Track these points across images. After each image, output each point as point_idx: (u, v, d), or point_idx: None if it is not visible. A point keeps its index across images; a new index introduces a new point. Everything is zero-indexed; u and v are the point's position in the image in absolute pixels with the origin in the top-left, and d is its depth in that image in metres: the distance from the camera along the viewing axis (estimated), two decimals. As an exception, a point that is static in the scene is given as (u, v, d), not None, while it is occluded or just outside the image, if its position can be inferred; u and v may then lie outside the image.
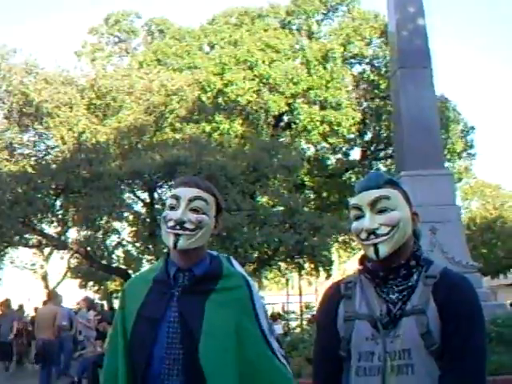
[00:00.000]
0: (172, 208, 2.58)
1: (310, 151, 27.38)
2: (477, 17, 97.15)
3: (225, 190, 16.38)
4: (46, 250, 27.63)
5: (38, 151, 22.44)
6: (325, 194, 28.92)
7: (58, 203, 19.91)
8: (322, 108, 24.73)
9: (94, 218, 18.41)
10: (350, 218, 2.38)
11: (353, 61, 27.30)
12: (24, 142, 22.04)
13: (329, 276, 23.04)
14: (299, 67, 24.48)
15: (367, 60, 27.05)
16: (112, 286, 30.95)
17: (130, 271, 19.53)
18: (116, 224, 20.27)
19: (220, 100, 24.01)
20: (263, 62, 23.93)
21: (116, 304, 26.57)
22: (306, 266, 21.53)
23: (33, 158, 21.58)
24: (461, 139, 27.41)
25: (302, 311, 34.91)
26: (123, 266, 20.04)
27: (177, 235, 2.52)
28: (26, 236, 19.60)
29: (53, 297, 13.47)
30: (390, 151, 26.71)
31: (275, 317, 24.18)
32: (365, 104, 27.29)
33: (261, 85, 23.97)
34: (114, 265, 20.26)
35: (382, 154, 28.58)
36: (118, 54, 29.26)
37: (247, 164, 19.10)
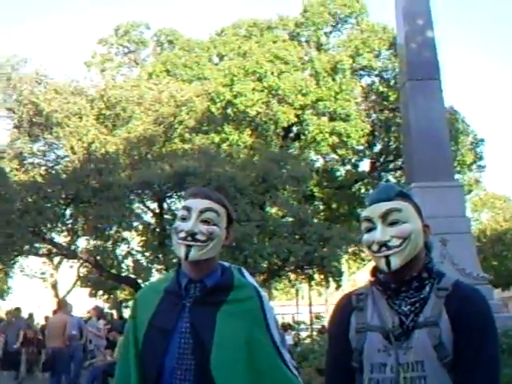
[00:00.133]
0: (183, 219, 2.59)
1: (319, 162, 27.42)
2: (486, 28, 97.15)
3: (234, 200, 16.40)
4: (56, 259, 27.70)
5: (48, 161, 22.56)
6: (334, 206, 28.90)
7: (68, 213, 19.98)
8: (331, 119, 24.75)
9: (104, 227, 18.48)
10: (361, 230, 2.39)
11: (362, 72, 27.34)
12: (34, 152, 22.17)
13: (338, 287, 23.01)
14: (308, 79, 24.53)
15: (376, 72, 27.08)
16: (121, 295, 30.99)
17: (140, 281, 19.55)
18: (125, 234, 20.32)
19: (229, 111, 24.07)
20: (272, 73, 23.98)
21: (126, 313, 26.61)
22: (316, 276, 21.51)
23: (43, 168, 21.69)
24: (470, 151, 27.36)
25: (311, 322, 34.85)
26: (132, 276, 20.06)
27: (188, 246, 2.52)
28: (36, 245, 19.68)
29: (63, 306, 13.49)
30: (399, 163, 26.69)
31: (285, 327, 24.15)
32: (374, 116, 27.31)
33: (270, 96, 24.03)
34: (123, 274, 20.29)
35: (391, 165, 28.56)
36: (128, 64, 29.41)
37: (256, 175, 19.12)
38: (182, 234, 2.55)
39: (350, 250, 22.60)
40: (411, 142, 11.85)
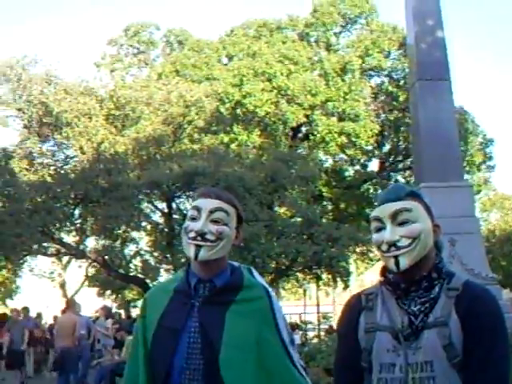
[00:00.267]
0: (193, 219, 2.59)
1: (328, 162, 27.39)
2: (495, 28, 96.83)
3: (243, 200, 16.41)
4: (65, 259, 27.81)
5: (58, 161, 22.65)
6: (343, 206, 28.87)
7: (77, 212, 20.08)
8: (340, 120, 24.73)
9: (112, 227, 18.53)
10: (370, 230, 2.39)
11: (371, 73, 27.31)
12: (43, 152, 22.27)
13: (346, 287, 22.99)
14: (317, 79, 24.51)
15: (385, 72, 27.05)
16: (129, 294, 31.08)
17: (148, 280, 19.60)
18: (134, 233, 20.38)
19: (238, 111, 24.08)
20: (281, 73, 23.98)
21: (133, 313, 26.68)
22: (324, 276, 21.50)
23: (52, 168, 21.78)
24: (480, 151, 27.29)
25: (319, 322, 34.79)
26: (141, 276, 20.10)
27: (198, 246, 2.52)
28: (45, 245, 19.77)
29: (71, 305, 13.52)
30: (408, 163, 26.64)
31: (293, 327, 24.14)
32: (383, 116, 27.27)
33: (279, 96, 24.02)
34: (131, 274, 20.35)
35: (400, 165, 28.52)
36: (137, 65, 29.44)
37: (265, 175, 19.13)
38: (192, 234, 2.55)
39: (358, 250, 22.57)
40: (420, 142, 11.82)
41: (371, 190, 28.82)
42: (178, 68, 25.86)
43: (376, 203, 2.42)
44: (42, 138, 21.86)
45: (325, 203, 27.42)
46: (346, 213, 28.73)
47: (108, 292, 27.54)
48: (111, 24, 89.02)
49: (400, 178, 28.15)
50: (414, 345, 2.21)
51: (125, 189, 17.98)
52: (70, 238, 20.72)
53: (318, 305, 34.27)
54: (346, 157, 26.94)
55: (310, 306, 38.79)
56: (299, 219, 19.83)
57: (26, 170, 21.09)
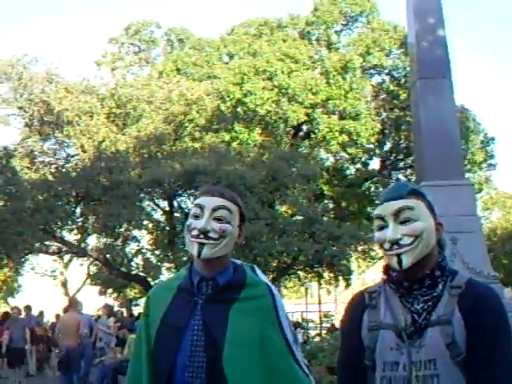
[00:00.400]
0: (196, 217, 2.59)
1: (329, 161, 27.38)
2: (497, 27, 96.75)
3: (244, 199, 16.37)
4: (66, 257, 27.85)
5: (59, 159, 22.65)
6: (344, 204, 28.85)
7: (78, 211, 20.08)
8: (341, 118, 24.72)
9: (114, 225, 18.53)
10: (371, 229, 2.40)
11: (372, 71, 27.29)
12: (45, 150, 22.27)
13: (348, 285, 23.01)
14: (318, 77, 24.49)
15: (386, 70, 27.04)
16: (131, 293, 31.07)
17: (149, 279, 19.62)
18: (135, 232, 20.39)
19: (239, 110, 24.07)
20: (282, 72, 23.96)
21: (135, 311, 26.71)
22: (326, 275, 21.49)
23: (53, 166, 21.79)
24: (481, 150, 27.28)
25: (321, 320, 34.82)
26: (142, 274, 20.12)
27: (201, 244, 2.53)
28: (47, 243, 19.79)
29: (73, 304, 13.52)
30: (409, 161, 26.65)
31: (295, 325, 24.16)
32: (384, 114, 27.26)
33: (280, 95, 24.00)
34: (133, 272, 20.36)
35: (401, 164, 28.52)
36: (138, 63, 29.44)
37: (266, 173, 19.13)
38: (195, 232, 2.56)
39: (359, 248, 22.54)
40: (421, 140, 11.80)
41: (372, 189, 28.81)
42: (179, 66, 25.86)
43: (378, 201, 2.43)
44: (43, 136, 21.86)
45: (326, 202, 27.40)
46: (348, 211, 28.72)
47: (109, 290, 27.51)
48: (112, 22, 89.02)
49: (401, 176, 28.14)
50: (417, 343, 2.22)
51: (126, 187, 17.99)
52: (71, 237, 20.73)
53: (319, 303, 34.30)
54: (347, 155, 26.91)
55: (311, 304, 38.83)
56: (300, 218, 19.83)
57: (28, 168, 21.11)
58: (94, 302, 30.06)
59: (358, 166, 28.33)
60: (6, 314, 17.56)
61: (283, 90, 23.94)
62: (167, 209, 20.92)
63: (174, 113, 20.95)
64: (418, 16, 12.13)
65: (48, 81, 21.60)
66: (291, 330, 2.63)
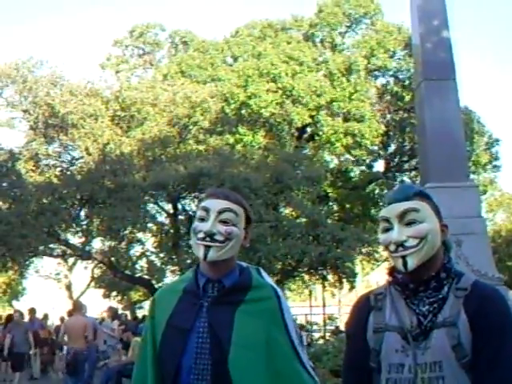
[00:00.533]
0: (202, 220, 2.59)
1: (334, 163, 27.35)
2: (502, 28, 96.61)
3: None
4: (71, 260, 27.82)
5: (63, 162, 22.70)
6: (348, 206, 28.83)
7: (83, 214, 20.10)
8: (346, 120, 24.70)
9: (118, 228, 18.53)
10: (375, 231, 2.39)
11: (376, 73, 27.27)
12: (49, 153, 22.31)
13: (352, 288, 22.98)
14: (322, 79, 24.47)
15: (391, 72, 27.02)
16: (135, 296, 31.10)
17: (154, 281, 19.61)
18: (140, 234, 20.39)
19: (243, 112, 24.06)
20: (286, 74, 23.95)
21: (139, 314, 26.71)
22: (330, 277, 21.47)
23: (58, 169, 21.83)
24: (485, 151, 27.24)
25: (325, 323, 34.79)
26: (147, 277, 20.13)
27: (207, 247, 2.53)
28: (51, 246, 19.82)
29: (78, 307, 13.50)
30: (413, 163, 26.60)
31: (299, 328, 24.10)
32: (388, 116, 27.24)
33: (284, 97, 23.99)
34: (137, 275, 20.37)
35: (405, 165, 28.48)
36: (142, 66, 29.47)
37: (270, 176, 19.12)
38: (201, 235, 2.56)
39: (363, 250, 22.52)
40: (426, 142, 11.78)
41: (377, 191, 28.79)
42: (183, 69, 25.86)
43: (384, 203, 2.42)
44: (47, 139, 21.89)
45: (330, 204, 27.38)
46: (352, 213, 28.69)
47: (114, 293, 27.53)
48: (116, 25, 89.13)
49: (406, 178, 28.11)
50: (422, 345, 2.22)
51: (130, 190, 18.00)
52: (75, 239, 20.75)
53: (323, 306, 34.30)
54: (351, 157, 26.89)
55: (315, 306, 38.81)
56: (305, 220, 19.82)
57: (32, 171, 21.13)
58: (98, 304, 30.08)
59: (363, 168, 28.31)
60: (10, 316, 17.56)
61: (287, 92, 23.93)
62: (171, 211, 20.92)
63: (179, 115, 20.96)
64: (423, 17, 12.12)
65: (53, 84, 21.62)
66: (297, 332, 2.63)
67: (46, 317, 21.04)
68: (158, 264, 20.02)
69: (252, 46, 25.65)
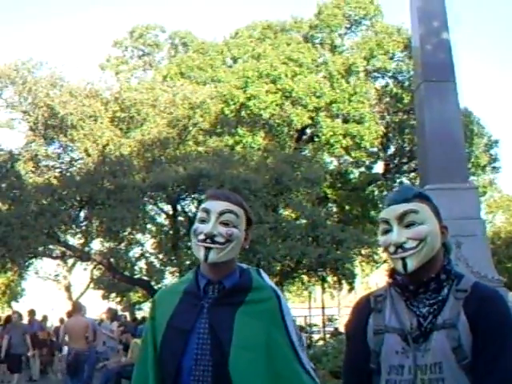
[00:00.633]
0: (202, 221, 2.60)
1: (333, 164, 27.36)
2: (501, 29, 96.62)
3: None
4: (70, 261, 27.80)
5: (63, 163, 22.67)
6: (348, 208, 28.84)
7: (82, 215, 20.08)
8: (345, 121, 24.71)
9: (118, 229, 18.53)
10: (374, 233, 2.40)
11: (376, 74, 27.30)
12: (49, 154, 22.28)
13: (351, 289, 22.99)
14: (322, 81, 24.48)
15: (390, 74, 27.04)
16: (134, 297, 31.06)
17: (153, 283, 19.60)
18: (139, 236, 20.40)
19: (243, 113, 24.07)
20: (286, 75, 23.95)
21: (138, 315, 26.69)
22: (329, 279, 21.47)
23: (57, 170, 21.82)
24: (485, 153, 27.27)
25: (324, 324, 34.78)
26: (146, 278, 20.12)
27: (207, 248, 2.53)
28: (50, 247, 19.80)
29: (78, 308, 13.48)
30: (413, 165, 26.62)
31: (299, 329, 24.08)
32: (388, 118, 27.23)
33: (284, 98, 24.00)
34: (136, 276, 20.35)
35: (405, 167, 28.49)
36: (142, 67, 29.49)
37: (270, 177, 19.13)
38: (202, 236, 2.56)
39: (363, 252, 22.52)
40: (426, 143, 11.79)
41: (376, 192, 28.79)
42: (183, 70, 25.87)
43: (383, 205, 2.42)
44: (47, 140, 21.87)
45: (330, 205, 27.38)
46: (351, 215, 28.70)
47: (113, 294, 27.50)
48: (116, 26, 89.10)
49: (405, 179, 28.12)
50: (422, 347, 2.22)
51: (130, 191, 18.00)
52: (75, 241, 20.73)
53: (323, 307, 34.26)
54: (350, 159, 26.89)
55: (315, 308, 38.82)
56: (304, 221, 19.82)
57: (32, 172, 21.11)
58: (97, 306, 30.06)
59: (362, 169, 28.31)
60: (9, 317, 17.53)
61: (287, 94, 23.94)
62: (171, 213, 20.92)
63: (178, 117, 20.96)
64: (422, 19, 12.13)
65: (52, 85, 21.61)
66: (297, 334, 2.64)
67: (45, 318, 21.02)
68: (157, 265, 20.01)
69: (252, 48, 25.67)
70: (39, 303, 33.85)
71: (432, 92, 11.73)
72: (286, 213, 21.58)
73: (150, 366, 2.58)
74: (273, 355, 2.50)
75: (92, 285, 28.98)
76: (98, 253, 20.17)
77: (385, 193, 26.51)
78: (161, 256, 20.26)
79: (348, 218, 27.86)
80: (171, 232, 20.49)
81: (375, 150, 26.88)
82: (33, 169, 21.27)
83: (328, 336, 26.13)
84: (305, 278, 22.38)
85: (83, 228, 19.96)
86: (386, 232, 2.33)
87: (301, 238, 18.58)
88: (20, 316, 16.77)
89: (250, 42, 26.30)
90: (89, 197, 18.70)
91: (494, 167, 29.21)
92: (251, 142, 23.93)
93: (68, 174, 20.56)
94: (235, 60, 26.64)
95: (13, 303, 43.09)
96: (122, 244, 19.69)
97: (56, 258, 21.41)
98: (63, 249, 20.34)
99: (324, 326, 34.16)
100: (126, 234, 19.40)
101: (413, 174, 27.11)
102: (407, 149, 27.23)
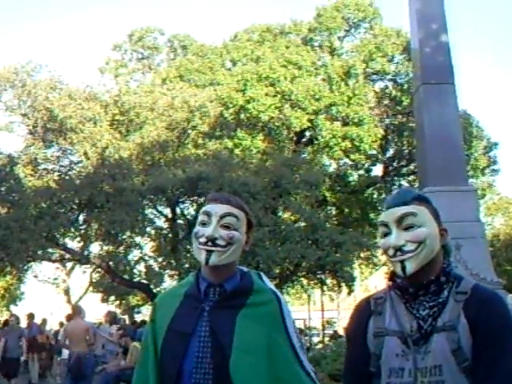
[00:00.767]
0: (203, 224, 2.60)
1: (332, 167, 27.37)
2: (501, 31, 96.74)
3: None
4: (69, 265, 27.82)
5: (62, 166, 22.64)
6: (347, 210, 28.84)
7: (81, 218, 20.07)
8: (344, 124, 24.72)
9: (117, 232, 18.54)
10: (373, 236, 2.40)
11: (375, 77, 27.32)
12: (48, 158, 22.27)
13: (351, 292, 22.94)
14: (321, 84, 24.51)
15: (389, 76, 27.06)
16: (133, 300, 31.03)
17: (152, 286, 19.58)
18: (138, 239, 20.38)
19: (242, 116, 24.09)
20: (285, 78, 23.98)
21: (138, 318, 26.65)
22: (328, 281, 21.46)
23: (56, 173, 21.79)
24: (484, 155, 27.28)
25: (323, 327, 34.78)
26: (145, 281, 20.10)
27: (209, 251, 2.54)
28: (49, 250, 19.77)
29: (78, 312, 13.45)
30: (412, 167, 26.64)
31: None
32: (387, 120, 27.26)
33: (283, 101, 24.02)
34: (135, 279, 20.34)
35: (404, 170, 28.50)
36: (141, 70, 29.51)
37: (269, 180, 19.13)
38: (203, 239, 2.56)
39: (362, 255, 22.54)
40: (425, 146, 11.79)
41: (375, 195, 28.80)
42: (182, 73, 25.88)
43: (383, 208, 2.42)
44: (46, 143, 21.87)
45: (329, 208, 27.37)
46: (350, 218, 28.70)
47: (112, 298, 27.49)
48: (115, 29, 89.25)
49: (404, 182, 28.13)
50: (422, 349, 2.22)
51: (129, 194, 17.99)
52: (74, 244, 20.73)
53: (322, 310, 34.28)
54: (349, 161, 26.91)
55: (314, 311, 38.81)
56: (303, 224, 19.83)
57: (31, 175, 21.10)
58: (96, 309, 30.02)
59: (361, 172, 28.31)
60: (7, 321, 17.48)
61: (286, 97, 23.96)
62: (170, 216, 20.91)
63: (177, 119, 20.95)
64: (422, 22, 12.14)
65: (51, 88, 21.61)
66: (298, 337, 2.63)
67: (44, 322, 20.97)
68: (156, 268, 20.00)
69: (251, 51, 25.68)
70: (38, 307, 33.76)
71: (431, 94, 11.73)
72: (285, 215, 21.58)
73: (150, 369, 2.58)
74: (274, 358, 2.49)
75: (91, 288, 28.94)
76: (97, 256, 20.15)
77: (384, 195, 26.52)
78: (160, 259, 20.26)
79: (347, 220, 27.86)
80: (170, 235, 20.48)
81: (374, 152, 26.88)
82: (32, 172, 21.26)
83: (327, 339, 26.14)
84: (304, 280, 22.38)
85: (82, 231, 19.96)
86: (386, 235, 2.33)
87: (300, 241, 18.58)
88: (17, 319, 16.71)
89: (249, 45, 26.32)
90: (88, 200, 18.69)
91: (493, 170, 29.23)
92: (250, 145, 23.94)
93: (67, 178, 20.54)
94: (234, 63, 26.66)
95: (12, 307, 43.04)
96: (121, 247, 19.68)
97: (55, 261, 21.41)
98: (62, 252, 20.34)
99: (323, 329, 34.18)
100: (125, 237, 19.40)
101: (412, 177, 27.11)
102: (406, 151, 27.24)
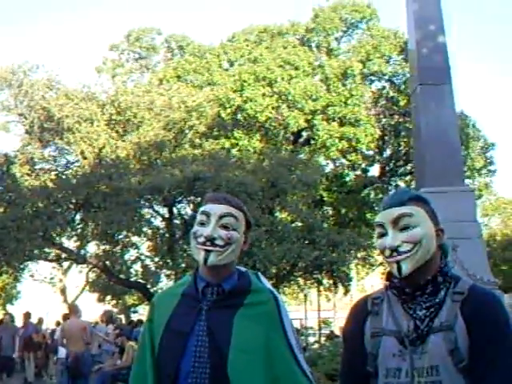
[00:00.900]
0: (202, 224, 2.60)
1: (329, 167, 27.37)
2: (498, 32, 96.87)
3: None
4: (65, 264, 27.77)
5: (59, 166, 22.66)
6: (343, 211, 28.83)
7: (78, 218, 20.06)
8: (341, 124, 24.73)
9: (113, 232, 18.52)
10: (370, 236, 2.40)
11: (372, 78, 27.32)
12: (45, 157, 22.28)
13: (347, 292, 22.97)
14: (318, 84, 24.52)
15: (386, 77, 27.06)
16: (130, 300, 31.03)
17: (148, 286, 19.58)
18: (135, 238, 20.35)
19: (239, 116, 24.10)
20: (282, 78, 23.99)
21: (134, 318, 26.65)
22: (325, 281, 21.47)
23: (53, 173, 21.79)
24: (481, 156, 27.31)
25: (320, 327, 34.77)
26: (141, 281, 20.09)
27: (207, 251, 2.54)
28: (46, 250, 19.74)
29: (75, 311, 13.45)
30: (409, 168, 26.66)
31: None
32: (384, 121, 27.25)
33: (280, 101, 24.03)
34: (132, 279, 20.32)
35: (401, 170, 28.52)
36: (139, 70, 29.47)
37: (266, 180, 19.13)
38: (201, 239, 2.57)
39: (359, 255, 22.53)
40: (422, 146, 11.80)
41: (372, 195, 28.80)
42: (179, 73, 25.87)
43: (380, 208, 2.43)
44: (43, 143, 21.87)
45: (326, 208, 27.39)
46: (347, 218, 28.70)
47: (108, 297, 27.47)
48: (112, 29, 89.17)
49: (401, 182, 28.14)
50: (419, 349, 2.22)
51: (126, 194, 17.98)
52: (70, 243, 20.71)
53: (318, 310, 34.27)
54: (346, 162, 26.93)
55: (310, 311, 38.80)
56: (300, 224, 19.83)
57: (28, 175, 21.09)
58: (92, 308, 30.01)
59: (358, 172, 28.32)
60: (1, 320, 17.47)
61: (283, 97, 23.96)
62: (167, 215, 20.89)
63: (174, 120, 20.95)
64: (419, 23, 12.15)
65: (48, 87, 21.61)
66: (295, 337, 2.64)
67: (40, 321, 20.95)
68: (153, 268, 19.98)
69: (248, 51, 25.69)
70: (35, 306, 33.70)
71: (428, 95, 11.74)
72: (281, 215, 21.58)
73: (148, 368, 2.58)
74: (271, 357, 2.50)
75: (87, 287, 28.93)
76: (94, 256, 20.15)
77: (381, 196, 26.54)
78: (156, 259, 20.24)
79: (344, 220, 27.87)
80: (167, 235, 20.46)
81: (371, 152, 26.91)
82: (29, 172, 21.26)
83: (323, 339, 26.15)
84: (300, 280, 22.37)
85: (79, 231, 19.95)
86: (382, 235, 2.34)
87: (297, 241, 18.58)
88: (12, 317, 16.67)
89: (246, 46, 26.33)
90: (84, 200, 18.68)
91: (489, 170, 29.27)
92: (247, 145, 23.94)
93: (64, 177, 20.54)
94: (231, 63, 26.66)
95: (8, 306, 42.99)
96: (118, 247, 19.66)
97: (51, 260, 21.37)
98: (59, 251, 20.32)
99: (320, 329, 34.17)
100: (121, 236, 19.39)
101: (409, 177, 27.12)
102: (403, 152, 27.25)
